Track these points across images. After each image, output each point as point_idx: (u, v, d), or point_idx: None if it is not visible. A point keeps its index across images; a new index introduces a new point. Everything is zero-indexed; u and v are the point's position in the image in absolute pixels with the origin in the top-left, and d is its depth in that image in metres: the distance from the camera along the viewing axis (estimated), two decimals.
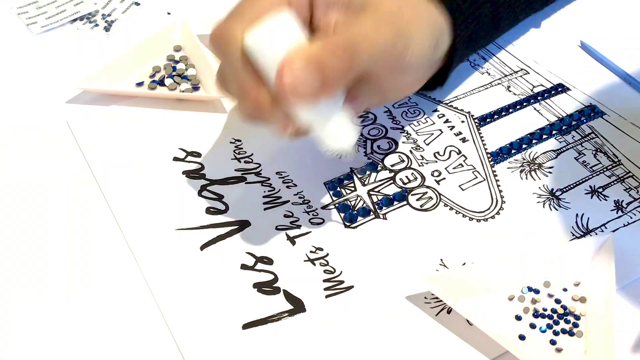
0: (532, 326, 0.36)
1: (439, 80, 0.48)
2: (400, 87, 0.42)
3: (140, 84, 0.51)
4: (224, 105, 0.50)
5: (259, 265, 0.39)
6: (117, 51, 0.54)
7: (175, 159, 0.45)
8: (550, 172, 0.45)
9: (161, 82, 0.51)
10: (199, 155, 0.46)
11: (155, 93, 0.50)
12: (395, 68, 0.38)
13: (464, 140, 0.47)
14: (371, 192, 0.43)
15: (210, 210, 0.42)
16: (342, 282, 0.39)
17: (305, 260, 0.40)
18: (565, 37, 0.57)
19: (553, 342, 0.35)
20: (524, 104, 0.50)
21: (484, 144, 0.47)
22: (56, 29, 0.57)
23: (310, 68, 0.32)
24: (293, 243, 0.40)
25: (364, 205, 0.43)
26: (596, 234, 0.41)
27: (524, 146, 0.47)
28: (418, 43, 0.38)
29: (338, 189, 0.44)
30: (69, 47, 0.55)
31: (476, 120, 0.49)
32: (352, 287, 0.38)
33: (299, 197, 0.43)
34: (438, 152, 0.46)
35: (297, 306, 0.37)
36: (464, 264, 0.39)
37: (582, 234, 0.41)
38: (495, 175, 0.45)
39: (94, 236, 0.41)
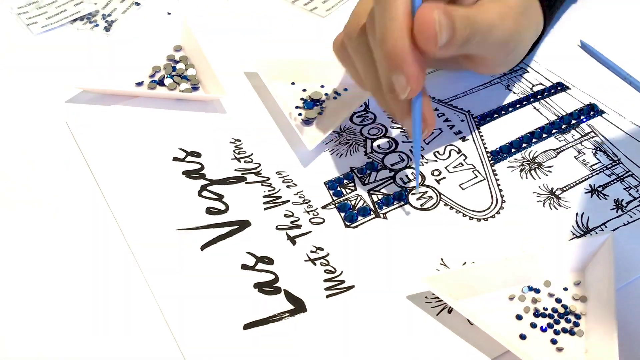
0: (533, 325, 0.36)
1: None
2: (490, 67, 0.45)
3: (140, 84, 0.51)
4: (224, 105, 0.50)
5: (260, 265, 0.39)
6: (117, 51, 0.54)
7: (175, 159, 0.45)
8: (550, 171, 0.45)
9: (161, 82, 0.51)
10: (198, 155, 0.46)
11: (154, 93, 0.50)
12: (500, 55, 0.43)
13: (463, 139, 0.47)
14: (371, 192, 0.43)
15: (210, 210, 0.42)
16: (342, 282, 0.39)
17: (305, 260, 0.40)
18: (565, 37, 0.57)
19: (554, 342, 0.35)
20: (524, 102, 0.50)
21: (483, 143, 0.47)
22: (56, 29, 0.57)
23: (445, 20, 0.36)
24: (293, 243, 0.40)
25: (364, 204, 0.43)
26: (596, 233, 0.41)
27: (523, 145, 0.47)
28: (526, 40, 0.44)
29: (338, 188, 0.44)
30: (69, 47, 0.55)
31: (476, 119, 0.49)
32: (352, 287, 0.38)
33: (299, 197, 0.43)
34: (438, 151, 0.46)
35: (297, 306, 0.37)
36: (465, 263, 0.39)
37: (582, 233, 0.41)
38: (495, 175, 0.45)
39: (94, 237, 0.41)
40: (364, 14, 0.40)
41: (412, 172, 0.45)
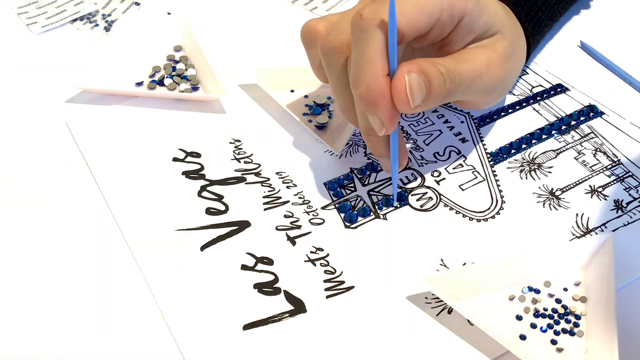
0: (533, 326, 0.36)
1: None
2: (474, 107, 0.44)
3: (139, 84, 0.51)
4: (224, 106, 0.50)
5: (260, 266, 0.39)
6: (117, 51, 0.54)
7: (175, 159, 0.45)
8: (550, 172, 0.45)
9: (161, 82, 0.51)
10: (198, 155, 0.46)
11: (154, 93, 0.50)
12: (485, 99, 0.42)
13: (463, 140, 0.47)
14: (371, 192, 0.43)
15: (210, 211, 0.42)
16: (342, 282, 0.39)
17: (305, 261, 0.40)
18: (565, 37, 0.57)
19: (554, 342, 0.35)
20: (523, 104, 0.50)
21: (483, 144, 0.47)
22: (56, 29, 0.57)
23: (418, 83, 0.36)
24: (293, 243, 0.40)
25: (364, 205, 0.43)
26: (596, 233, 0.41)
27: (523, 146, 0.47)
28: (512, 82, 0.43)
29: (338, 189, 0.44)
30: (69, 47, 0.55)
31: (475, 121, 0.49)
32: (352, 287, 0.38)
33: (299, 198, 0.43)
34: (438, 153, 0.46)
35: (297, 307, 0.37)
36: (464, 264, 0.39)
37: (582, 233, 0.41)
38: (495, 175, 0.45)
39: (94, 237, 0.41)
40: (345, 29, 0.38)
41: (412, 173, 0.45)
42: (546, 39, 0.56)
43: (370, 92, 0.36)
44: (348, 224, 0.42)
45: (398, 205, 0.43)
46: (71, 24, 0.57)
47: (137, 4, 0.60)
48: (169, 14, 0.59)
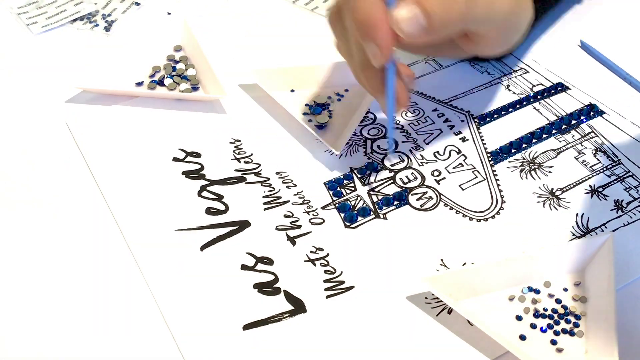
0: (533, 326, 0.36)
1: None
2: (500, 46, 0.45)
3: (140, 84, 0.51)
4: (224, 106, 0.50)
5: (260, 266, 0.39)
6: (117, 51, 0.54)
7: (175, 159, 0.45)
8: (550, 172, 0.45)
9: (161, 82, 0.51)
10: (198, 155, 0.46)
11: (154, 93, 0.50)
12: (506, 31, 0.42)
13: (463, 139, 0.47)
14: (371, 192, 0.43)
15: (210, 211, 0.42)
16: (342, 282, 0.38)
17: (305, 261, 0.40)
18: (565, 37, 0.57)
19: (554, 342, 0.35)
20: (524, 103, 0.50)
21: (483, 144, 0.47)
22: (56, 29, 0.57)
23: (417, 12, 0.37)
24: (293, 243, 0.40)
25: (364, 205, 0.43)
26: (596, 233, 0.41)
27: (523, 145, 0.47)
28: (528, 14, 0.43)
29: (338, 188, 0.44)
30: (69, 47, 0.55)
31: (476, 120, 0.49)
32: (352, 287, 0.38)
33: (299, 197, 0.43)
34: (438, 152, 0.46)
35: (297, 307, 0.37)
36: (464, 264, 0.39)
37: (582, 233, 0.41)
38: (495, 175, 0.45)
39: (94, 237, 0.41)
40: None
41: (412, 173, 0.45)
42: (546, 39, 0.56)
43: (367, 15, 0.37)
44: (348, 224, 0.42)
45: (391, 152, 0.44)
46: (71, 24, 0.57)
47: (137, 4, 0.60)
48: (169, 14, 0.59)
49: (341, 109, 0.49)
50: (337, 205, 0.43)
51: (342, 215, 0.42)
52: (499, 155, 0.46)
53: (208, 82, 0.50)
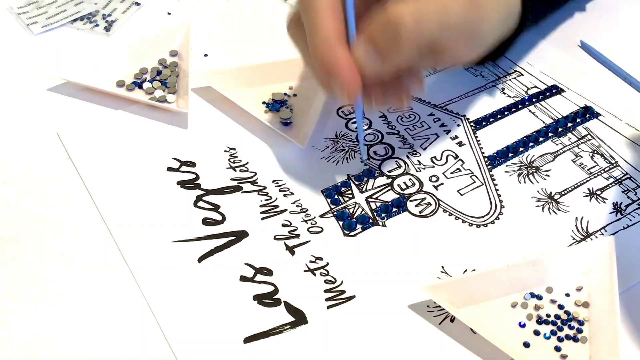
0: (536, 333, 0.36)
1: (496, 52, 0.48)
2: (464, 56, 0.41)
3: (122, 84, 0.50)
4: (218, 113, 0.49)
5: (259, 277, 0.39)
6: (115, 49, 0.53)
7: (170, 169, 0.45)
8: (548, 175, 0.45)
9: (140, 85, 0.50)
10: (193, 164, 0.45)
11: (126, 95, 0.49)
12: (466, 39, 0.38)
13: (460, 144, 0.47)
14: (369, 199, 0.43)
15: (206, 221, 0.41)
16: (343, 292, 0.38)
17: (305, 271, 0.39)
18: (565, 37, 0.56)
19: (558, 349, 0.35)
20: (519, 106, 0.50)
21: (480, 148, 0.47)
22: (56, 29, 0.57)
23: (369, 48, 0.35)
24: (292, 253, 0.40)
25: (363, 212, 0.42)
26: (596, 237, 0.41)
27: (520, 149, 0.46)
28: (491, 15, 0.39)
29: (336, 196, 0.43)
30: (69, 47, 0.55)
31: (472, 124, 0.48)
32: (353, 297, 0.38)
33: (297, 206, 0.43)
34: (435, 157, 0.46)
35: (298, 318, 0.37)
36: (465, 271, 0.39)
37: (582, 237, 0.41)
38: (493, 179, 0.44)
39: (88, 251, 0.40)
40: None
41: (410, 179, 0.44)
42: (540, 41, 0.56)
43: (328, 59, 0.35)
44: (347, 232, 0.41)
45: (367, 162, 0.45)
46: (71, 24, 0.57)
47: (137, 4, 0.59)
48: (169, 14, 0.59)
49: (301, 103, 0.49)
50: (335, 213, 0.42)
51: (341, 223, 0.42)
52: (496, 159, 0.46)
53: (183, 92, 0.49)
